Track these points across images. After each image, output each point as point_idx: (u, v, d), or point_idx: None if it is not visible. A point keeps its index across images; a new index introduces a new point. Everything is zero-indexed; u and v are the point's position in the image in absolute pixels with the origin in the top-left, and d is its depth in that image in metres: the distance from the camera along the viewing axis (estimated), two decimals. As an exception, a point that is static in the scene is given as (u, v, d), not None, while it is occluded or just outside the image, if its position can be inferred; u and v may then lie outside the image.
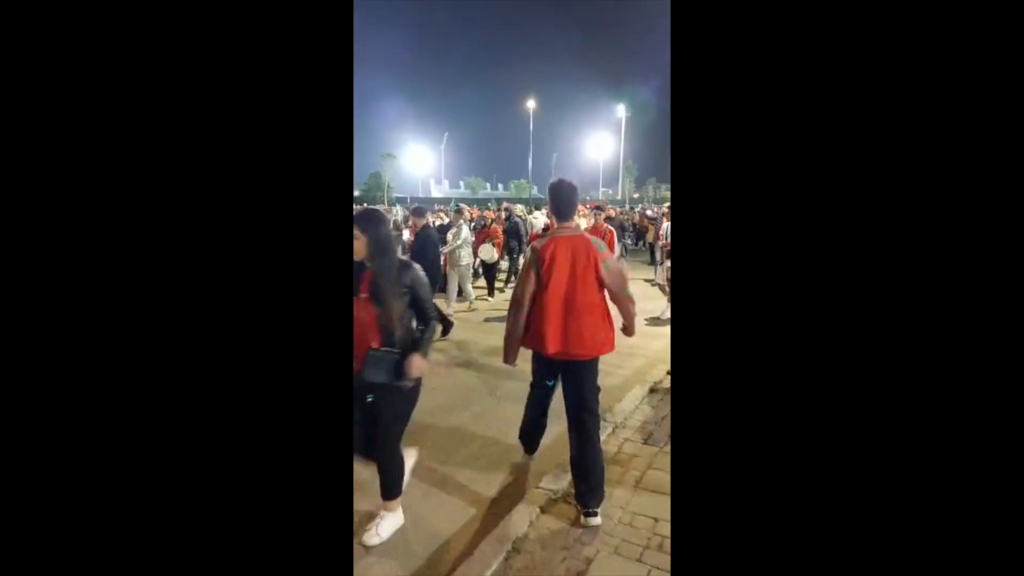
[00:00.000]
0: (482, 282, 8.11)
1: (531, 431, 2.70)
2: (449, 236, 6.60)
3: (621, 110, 53.20)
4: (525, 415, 2.67)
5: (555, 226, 2.39)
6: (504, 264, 8.87)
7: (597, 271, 2.24)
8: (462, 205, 8.27)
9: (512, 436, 2.91)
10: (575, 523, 2.23)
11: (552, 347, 2.24)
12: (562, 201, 2.38)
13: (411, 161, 53.65)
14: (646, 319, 5.96)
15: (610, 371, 4.25)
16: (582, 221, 8.14)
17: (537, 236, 3.52)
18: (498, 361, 2.67)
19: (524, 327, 2.31)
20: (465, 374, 4.37)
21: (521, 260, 8.64)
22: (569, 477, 2.43)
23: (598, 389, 2.43)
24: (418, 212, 6.20)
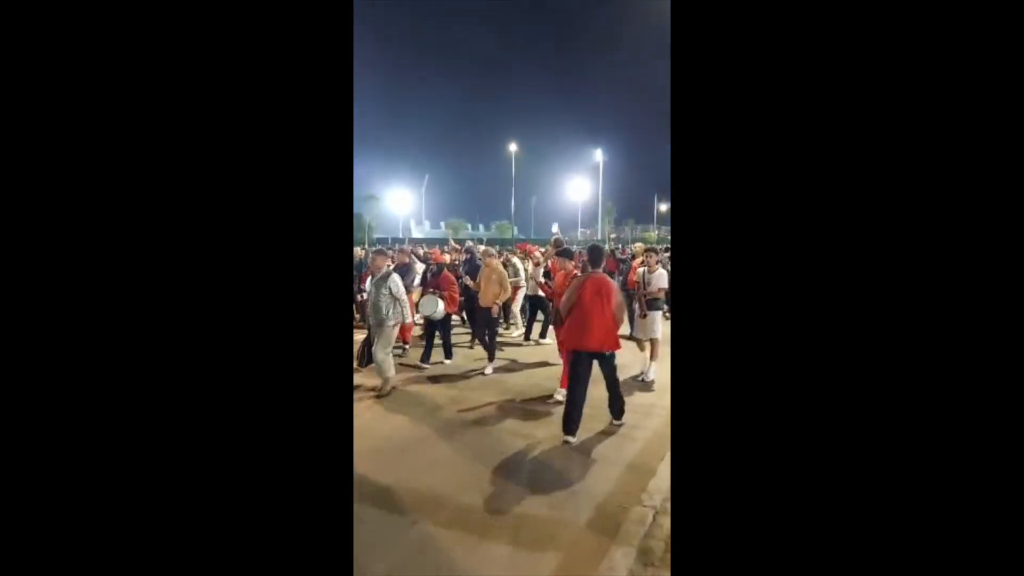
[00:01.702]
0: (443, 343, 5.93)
1: (572, 415, 3.66)
2: (367, 286, 5.11)
3: (598, 155, 54.86)
4: (569, 401, 3.69)
5: (589, 270, 3.90)
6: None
7: (611, 298, 3.70)
8: (388, 248, 6.64)
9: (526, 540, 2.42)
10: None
11: (587, 346, 3.68)
12: (594, 257, 3.98)
13: (393, 202, 53.71)
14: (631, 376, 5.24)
15: (627, 433, 3.78)
16: (536, 263, 7.23)
17: (573, 275, 4.49)
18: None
19: (564, 332, 3.87)
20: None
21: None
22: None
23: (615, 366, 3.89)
24: None
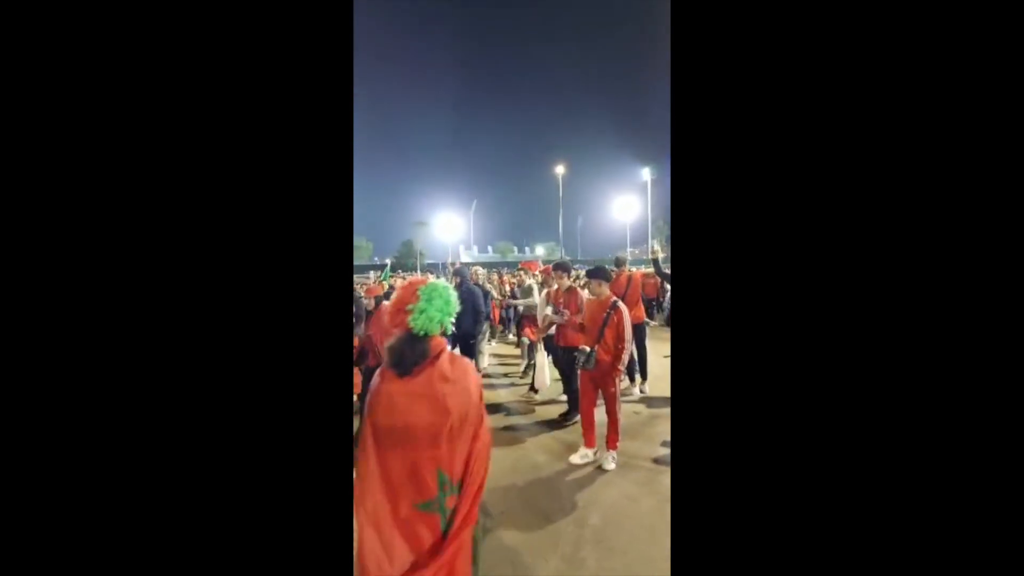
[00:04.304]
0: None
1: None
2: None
3: (646, 173, 53.90)
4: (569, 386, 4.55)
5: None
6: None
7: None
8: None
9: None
10: None
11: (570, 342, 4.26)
12: (562, 270, 4.60)
13: (442, 228, 55.02)
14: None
15: (655, 477, 3.46)
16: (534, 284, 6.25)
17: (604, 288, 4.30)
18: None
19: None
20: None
21: (485, 357, 6.54)
22: None
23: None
24: None
